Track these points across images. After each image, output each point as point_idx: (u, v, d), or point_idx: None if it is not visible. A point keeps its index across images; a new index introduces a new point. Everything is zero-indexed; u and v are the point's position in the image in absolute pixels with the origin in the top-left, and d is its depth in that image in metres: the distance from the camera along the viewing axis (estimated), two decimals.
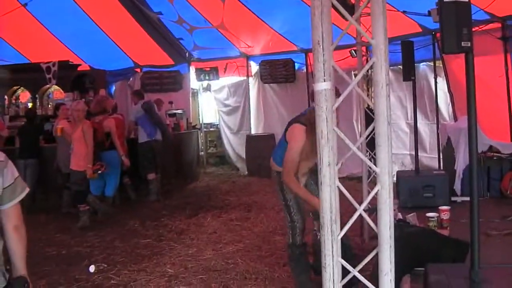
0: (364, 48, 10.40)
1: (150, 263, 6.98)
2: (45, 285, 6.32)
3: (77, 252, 7.76)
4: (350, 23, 2.17)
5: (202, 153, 15.49)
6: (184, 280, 6.24)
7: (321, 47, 2.02)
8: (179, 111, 13.99)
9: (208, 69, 14.50)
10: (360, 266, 2.15)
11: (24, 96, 14.74)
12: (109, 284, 6.28)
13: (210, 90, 15.78)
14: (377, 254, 2.08)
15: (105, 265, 6.97)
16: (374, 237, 2.12)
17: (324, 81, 2.01)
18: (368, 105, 8.39)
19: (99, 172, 9.12)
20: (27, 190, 3.10)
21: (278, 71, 13.24)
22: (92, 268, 6.78)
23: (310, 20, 2.08)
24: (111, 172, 9.91)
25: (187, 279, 6.26)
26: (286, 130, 5.32)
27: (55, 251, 7.79)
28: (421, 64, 10.97)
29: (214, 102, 15.80)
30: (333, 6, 2.12)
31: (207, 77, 14.60)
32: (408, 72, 8.03)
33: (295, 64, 13.14)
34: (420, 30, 10.17)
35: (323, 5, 2.04)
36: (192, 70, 14.96)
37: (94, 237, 8.41)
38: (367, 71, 8.62)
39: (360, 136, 7.85)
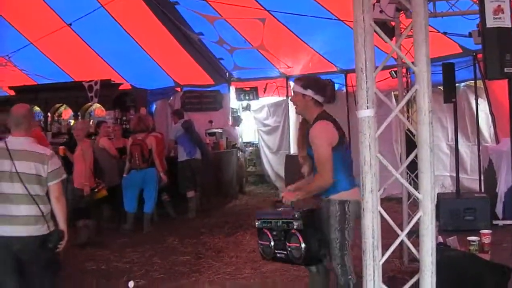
0: (404, 69, 10.36)
1: (188, 281, 7.02)
2: None
3: (116, 267, 7.85)
4: (393, 50, 2.20)
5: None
6: None
7: (364, 74, 2.06)
8: (219, 130, 14.08)
9: (248, 89, 14.56)
10: None
11: (67, 113, 15.03)
12: None
13: (249, 110, 15.83)
14: (418, 280, 2.09)
15: (144, 281, 7.03)
16: (414, 260, 2.13)
17: (367, 108, 2.05)
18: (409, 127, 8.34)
19: (96, 190, 9.16)
20: (65, 175, 5.10)
21: None
22: (131, 284, 6.83)
23: (353, 45, 2.12)
24: (150, 188, 10.06)
25: None
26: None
27: (95, 266, 7.88)
28: (462, 84, 10.82)
29: (253, 121, 15.85)
30: (376, 32, 2.15)
31: (247, 97, 14.66)
32: (449, 94, 7.98)
33: (335, 84, 13.11)
34: (461, 51, 10.09)
35: (366, 32, 2.08)
36: (232, 90, 15.03)
37: (133, 253, 8.48)
38: (407, 91, 8.58)
39: (401, 159, 7.80)
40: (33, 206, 4.60)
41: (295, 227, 4.71)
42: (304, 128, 4.97)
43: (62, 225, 4.82)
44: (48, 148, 5.31)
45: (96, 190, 9.11)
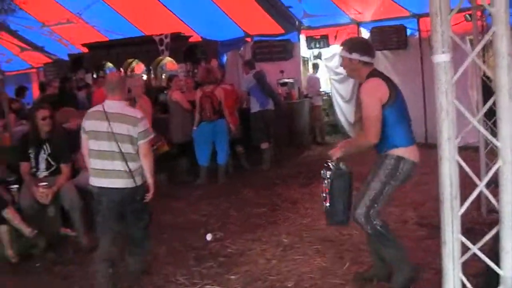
0: (479, 12, 9.98)
1: (265, 232, 7.08)
2: (164, 251, 6.59)
3: (193, 220, 8.01)
4: None
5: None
6: (299, 250, 6.29)
7: (439, 17, 1.97)
8: (291, 80, 13.99)
9: (319, 37, 14.35)
10: (480, 244, 2.10)
11: (139, 68, 15.26)
12: (226, 253, 6.43)
13: (321, 58, 15.66)
14: (497, 232, 2.03)
15: (221, 234, 7.15)
16: (493, 211, 2.07)
17: (443, 53, 1.96)
18: (485, 72, 8.05)
19: (155, 147, 9.11)
20: (153, 135, 5.83)
21: (390, 38, 12.91)
22: (209, 236, 6.97)
23: None
24: (221, 140, 10.19)
25: (302, 249, 6.31)
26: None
27: (172, 219, 8.05)
28: None
29: (325, 70, 15.69)
30: None
31: (317, 45, 14.47)
32: None
33: (407, 30, 12.77)
34: None
35: None
36: (303, 38, 14.84)
37: (209, 206, 8.62)
38: (482, 36, 8.26)
39: (477, 106, 7.57)
40: (124, 162, 5.28)
41: (324, 185, 4.86)
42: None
43: (149, 179, 5.51)
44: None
45: (155, 147, 9.15)
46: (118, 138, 5.28)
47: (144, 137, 5.40)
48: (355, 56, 4.76)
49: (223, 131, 10.27)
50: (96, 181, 5.41)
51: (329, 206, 4.85)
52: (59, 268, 6.22)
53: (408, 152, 4.70)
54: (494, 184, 2.09)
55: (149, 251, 6.05)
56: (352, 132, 14.31)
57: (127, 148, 5.31)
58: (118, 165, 5.29)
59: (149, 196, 5.56)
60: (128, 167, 5.28)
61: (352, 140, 5.20)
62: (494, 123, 2.14)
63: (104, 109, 5.39)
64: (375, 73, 4.81)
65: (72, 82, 14.16)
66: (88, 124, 5.46)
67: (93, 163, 5.42)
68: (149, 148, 5.59)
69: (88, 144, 5.44)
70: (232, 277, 5.67)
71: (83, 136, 5.51)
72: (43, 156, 6.98)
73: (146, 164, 5.43)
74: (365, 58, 4.75)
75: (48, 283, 5.80)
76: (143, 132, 5.38)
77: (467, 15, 9.93)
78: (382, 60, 13.47)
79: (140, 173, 5.45)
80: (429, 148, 11.79)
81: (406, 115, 4.85)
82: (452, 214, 2.01)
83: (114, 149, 5.28)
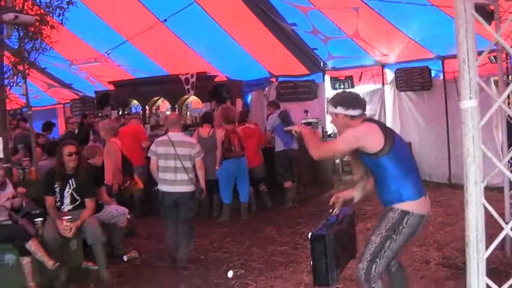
0: (504, 54, 10.02)
1: (286, 271, 7.08)
2: None
3: (215, 257, 8.06)
4: (495, 39, 2.14)
5: (338, 161, 15.44)
6: None
7: (467, 65, 2.02)
8: (315, 120, 14.06)
9: (343, 78, 14.42)
10: (506, 286, 2.11)
11: (164, 106, 15.42)
12: None
13: None
14: None
15: (243, 271, 7.17)
16: None
17: (470, 99, 2.01)
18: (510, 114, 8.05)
19: (123, 188, 9.41)
20: (203, 154, 8.04)
21: (414, 79, 12.93)
22: (230, 274, 6.99)
23: (455, 35, 2.08)
24: (244, 177, 10.35)
25: None
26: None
27: (194, 256, 8.07)
28: None
29: None
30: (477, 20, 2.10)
31: (342, 86, 14.52)
32: None
33: (431, 71, 12.80)
34: None
35: (468, 22, 2.04)
36: (327, 79, 14.92)
37: (232, 243, 8.66)
38: (507, 77, 8.29)
39: (502, 147, 7.56)
40: (185, 174, 7.71)
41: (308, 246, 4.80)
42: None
43: (202, 185, 8.01)
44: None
45: (122, 187, 9.38)
46: (181, 158, 7.70)
47: (198, 155, 7.89)
48: (339, 110, 4.61)
49: (245, 168, 10.43)
50: (163, 188, 7.76)
51: (311, 267, 4.74)
52: None
53: (416, 206, 4.41)
54: None
55: (192, 244, 8.01)
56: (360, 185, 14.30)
57: (187, 164, 7.75)
58: (182, 176, 7.70)
59: (203, 196, 8.26)
60: (189, 177, 7.74)
61: (316, 139, 4.90)
62: None
63: (169, 138, 7.82)
64: (369, 120, 4.71)
65: (90, 117, 14.41)
66: (159, 149, 7.81)
67: (161, 176, 7.76)
68: (202, 163, 7.98)
69: (158, 163, 7.78)
70: None
71: (153, 158, 7.85)
72: (68, 190, 7.09)
73: (200, 174, 7.94)
74: (350, 112, 4.58)
75: None
76: (197, 152, 7.88)
77: (491, 57, 9.98)
78: (406, 101, 13.52)
79: (193, 182, 7.83)
80: (454, 188, 11.81)
81: (411, 164, 4.64)
82: (477, 257, 2.03)
83: (178, 165, 7.68)
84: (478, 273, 2.05)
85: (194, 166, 7.83)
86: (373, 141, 4.39)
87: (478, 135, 2.01)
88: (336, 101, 4.70)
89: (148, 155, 8.14)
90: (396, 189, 4.42)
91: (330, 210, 5.07)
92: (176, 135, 7.85)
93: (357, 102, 4.66)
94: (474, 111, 2.01)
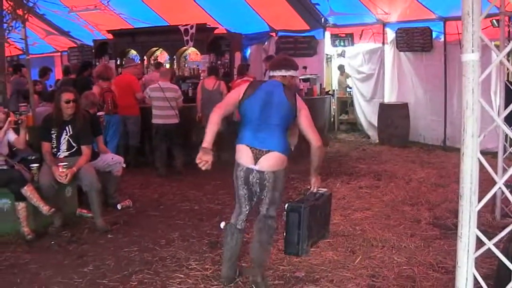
0: (506, 18, 9.94)
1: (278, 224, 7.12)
2: (178, 237, 6.68)
3: (209, 208, 8.10)
4: None
5: (333, 119, 15.51)
6: None
7: (471, 17, 2.00)
8: (313, 76, 14.01)
9: (344, 35, 14.37)
10: (495, 240, 2.13)
11: (162, 57, 15.30)
12: None
13: (344, 56, 15.67)
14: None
15: None
16: (507, 215, 2.10)
17: (472, 52, 2.00)
18: (508, 77, 8.05)
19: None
20: (182, 97, 10.99)
21: (415, 39, 12.86)
22: (222, 225, 7.00)
23: None
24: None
25: None
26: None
27: (188, 206, 8.18)
28: None
29: (348, 68, 15.69)
30: None
31: (342, 43, 14.48)
32: None
33: (433, 32, 12.72)
34: None
35: None
36: (327, 35, 14.86)
37: (226, 196, 8.67)
38: (509, 41, 8.25)
39: (499, 111, 7.55)
40: (173, 110, 10.22)
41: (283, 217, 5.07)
42: None
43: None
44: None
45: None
46: (168, 99, 10.14)
47: (180, 98, 10.52)
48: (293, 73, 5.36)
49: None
50: (157, 121, 10.30)
51: (284, 236, 4.98)
52: (74, 247, 6.30)
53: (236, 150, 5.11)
54: (510, 189, 2.13)
55: (183, 158, 10.26)
56: (369, 130, 14.37)
57: (172, 104, 10.19)
58: (172, 110, 10.23)
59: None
60: (175, 112, 10.26)
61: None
62: None
63: (160, 85, 10.23)
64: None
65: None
66: (152, 93, 10.31)
67: (154, 111, 10.30)
68: (182, 102, 10.63)
69: (152, 102, 10.32)
70: (244, 264, 5.72)
71: (147, 98, 10.45)
72: (64, 137, 7.07)
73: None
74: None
75: (62, 261, 5.86)
76: (180, 95, 10.53)
77: (494, 21, 9.90)
78: (405, 61, 13.47)
79: (178, 116, 10.33)
80: (448, 151, 11.87)
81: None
82: (470, 209, 2.05)
83: (166, 105, 10.15)
84: (469, 224, 2.07)
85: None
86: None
87: (477, 88, 2.01)
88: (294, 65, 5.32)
89: (144, 94, 10.62)
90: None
91: (309, 187, 5.41)
92: (164, 83, 10.34)
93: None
94: (476, 64, 2.00)
